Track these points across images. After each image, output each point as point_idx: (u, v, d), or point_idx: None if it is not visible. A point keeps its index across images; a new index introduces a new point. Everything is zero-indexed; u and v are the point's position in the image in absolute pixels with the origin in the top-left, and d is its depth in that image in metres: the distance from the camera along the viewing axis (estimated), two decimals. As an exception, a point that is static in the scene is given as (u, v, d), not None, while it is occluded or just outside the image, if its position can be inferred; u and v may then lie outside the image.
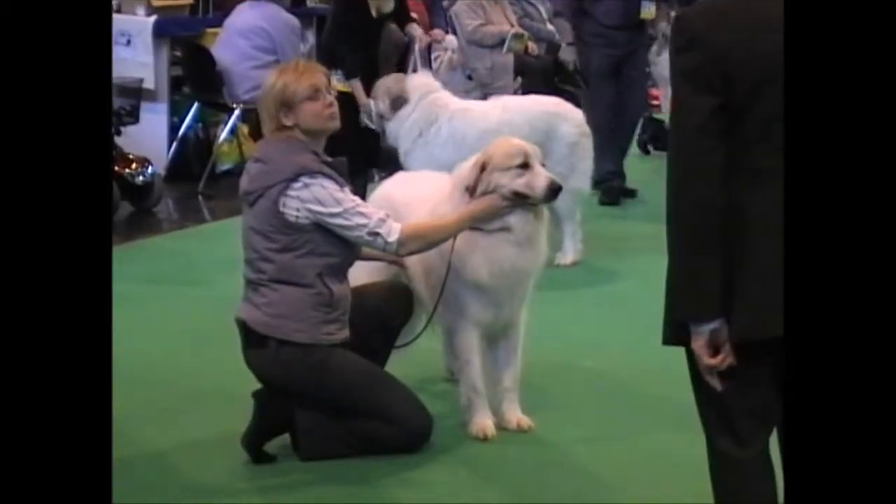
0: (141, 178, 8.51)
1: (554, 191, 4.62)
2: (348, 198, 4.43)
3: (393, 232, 4.43)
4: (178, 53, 9.66)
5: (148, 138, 9.05)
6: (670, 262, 2.98)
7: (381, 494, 4.35)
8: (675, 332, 3.01)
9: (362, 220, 4.41)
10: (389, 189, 5.18)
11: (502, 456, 4.62)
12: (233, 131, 9.52)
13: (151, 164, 8.63)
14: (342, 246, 4.49)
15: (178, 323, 6.10)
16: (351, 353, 4.51)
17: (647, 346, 6.07)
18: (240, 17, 9.26)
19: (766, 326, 2.85)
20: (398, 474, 4.45)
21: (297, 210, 4.39)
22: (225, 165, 9.62)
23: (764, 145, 2.87)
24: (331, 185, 4.41)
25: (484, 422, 4.75)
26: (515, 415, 4.82)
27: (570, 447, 4.73)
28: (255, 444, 4.50)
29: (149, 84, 9.22)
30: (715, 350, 2.94)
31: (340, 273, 4.54)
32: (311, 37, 10.69)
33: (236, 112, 9.27)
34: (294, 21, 9.32)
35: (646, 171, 9.83)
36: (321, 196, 4.38)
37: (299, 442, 4.52)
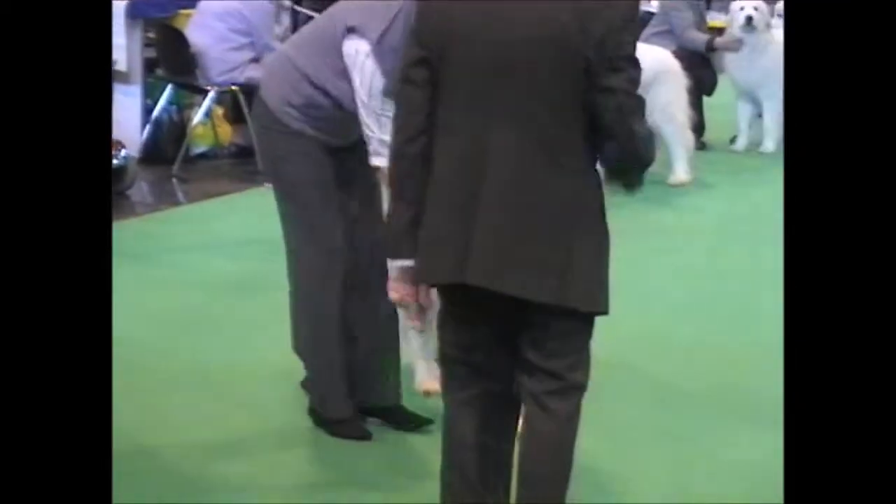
0: (115, 161, 8.43)
1: None
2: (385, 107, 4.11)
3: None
4: (152, 35, 9.59)
5: (121, 121, 8.95)
6: None
7: (392, 492, 4.22)
8: None
9: (374, 128, 4.22)
10: None
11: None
12: (207, 114, 9.45)
13: (125, 147, 8.56)
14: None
15: (152, 305, 6.07)
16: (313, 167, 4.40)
17: (674, 337, 6.02)
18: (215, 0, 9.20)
19: (439, 273, 3.13)
20: (415, 469, 4.33)
21: (347, 57, 4.23)
22: (199, 148, 9.57)
23: (449, 103, 3.10)
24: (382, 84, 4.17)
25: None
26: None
27: (590, 445, 4.64)
28: None
29: (121, 66, 9.14)
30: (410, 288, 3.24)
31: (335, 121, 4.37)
32: (286, 19, 10.63)
33: (211, 94, 9.19)
34: (269, 4, 9.27)
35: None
36: (367, 77, 4.21)
37: None
